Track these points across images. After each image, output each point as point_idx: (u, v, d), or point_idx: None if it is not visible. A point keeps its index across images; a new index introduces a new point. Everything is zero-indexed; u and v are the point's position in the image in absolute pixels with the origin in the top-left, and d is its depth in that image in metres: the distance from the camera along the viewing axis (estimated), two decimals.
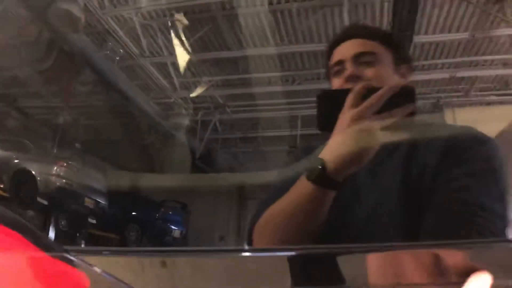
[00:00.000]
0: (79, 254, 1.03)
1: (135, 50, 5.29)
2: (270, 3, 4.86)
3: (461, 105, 6.99)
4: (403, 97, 0.82)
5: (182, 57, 5.30)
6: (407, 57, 1.12)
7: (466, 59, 5.75)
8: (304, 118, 6.78)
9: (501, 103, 6.88)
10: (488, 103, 6.88)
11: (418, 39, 5.12)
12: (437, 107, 7.16)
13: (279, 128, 7.79)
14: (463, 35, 5.23)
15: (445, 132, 1.03)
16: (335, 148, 0.86)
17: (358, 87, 0.85)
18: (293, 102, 6.33)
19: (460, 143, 0.94)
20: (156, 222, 7.57)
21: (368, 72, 1.01)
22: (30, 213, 5.97)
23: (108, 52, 5.27)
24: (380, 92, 0.81)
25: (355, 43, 1.08)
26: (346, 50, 1.08)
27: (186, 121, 6.54)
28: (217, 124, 7.46)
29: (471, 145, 0.93)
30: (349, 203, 0.98)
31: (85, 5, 4.66)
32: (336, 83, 1.07)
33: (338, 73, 1.07)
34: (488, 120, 6.02)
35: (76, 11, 4.51)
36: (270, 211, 0.96)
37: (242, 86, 6.53)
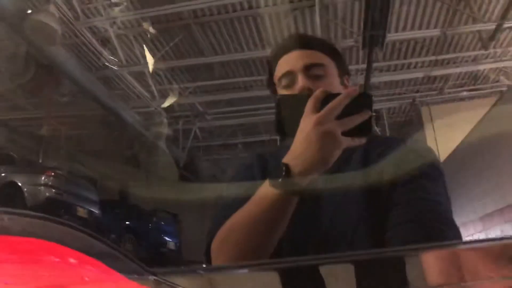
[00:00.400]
0: (167, 275, 0.95)
1: (112, 60, 5.32)
2: (242, 8, 4.96)
3: (436, 103, 7.17)
4: (361, 103, 0.82)
5: (155, 65, 5.35)
6: (347, 68, 1.13)
7: (439, 57, 5.86)
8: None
9: (472, 98, 7.05)
10: (461, 99, 7.05)
11: (391, 37, 5.20)
12: (413, 106, 7.31)
13: (260, 134, 7.97)
14: (434, 32, 5.36)
15: (397, 143, 1.03)
16: (299, 152, 0.85)
17: (317, 92, 0.85)
18: (271, 107, 6.34)
19: (413, 152, 0.99)
20: (151, 232, 7.41)
21: (320, 85, 1.00)
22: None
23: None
24: (339, 98, 0.81)
25: (304, 54, 1.07)
26: (295, 61, 1.07)
27: (167, 130, 6.54)
28: (198, 132, 7.50)
29: (423, 153, 0.99)
30: (310, 210, 0.97)
31: (60, 17, 4.69)
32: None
33: (288, 85, 1.06)
34: (462, 115, 6.19)
35: (53, 23, 4.53)
36: (229, 223, 0.93)
37: (220, 92, 6.60)
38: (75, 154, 6.54)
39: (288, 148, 1.07)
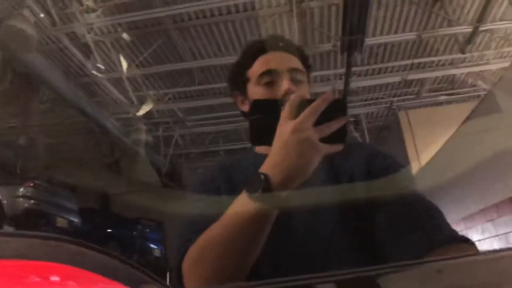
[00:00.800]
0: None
1: (91, 66, 5.27)
2: (220, 13, 4.96)
3: (414, 107, 7.25)
4: (336, 109, 0.80)
5: (134, 71, 5.33)
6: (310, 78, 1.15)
7: (415, 61, 5.93)
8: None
9: (450, 102, 7.16)
10: (439, 103, 7.15)
11: (369, 41, 5.22)
12: (391, 111, 7.39)
13: (242, 141, 7.93)
14: (410, 36, 5.41)
15: (363, 147, 1.06)
16: (278, 161, 0.81)
17: (293, 97, 0.82)
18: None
19: (380, 152, 1.02)
20: (136, 240, 7.26)
21: (300, 90, 1.03)
22: None
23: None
24: (315, 103, 0.78)
25: (288, 57, 1.09)
26: (280, 61, 1.08)
27: (146, 137, 6.50)
28: (179, 139, 7.45)
29: (386, 152, 1.03)
30: (285, 223, 0.93)
31: (35, 22, 4.64)
32: (265, 93, 1.06)
33: (270, 83, 1.05)
34: (440, 120, 6.27)
35: (29, 29, 4.48)
36: (202, 241, 0.87)
37: (200, 98, 6.57)
38: (54, 163, 6.43)
39: (251, 157, 1.07)
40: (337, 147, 0.80)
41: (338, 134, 0.80)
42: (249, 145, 1.03)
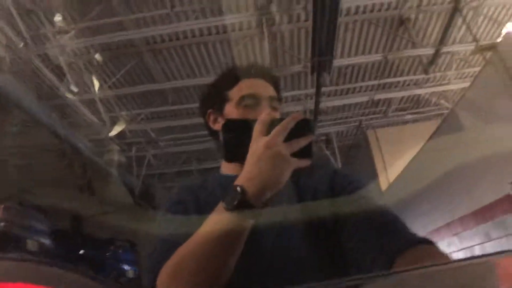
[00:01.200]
0: None
1: (63, 88, 5.25)
2: (193, 35, 5.06)
3: (382, 126, 7.48)
4: (304, 127, 0.89)
5: (107, 92, 5.34)
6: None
7: (382, 81, 6.16)
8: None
9: (416, 121, 7.42)
10: (405, 122, 7.41)
11: (337, 63, 5.42)
12: (360, 129, 7.59)
13: (215, 160, 7.95)
14: (376, 57, 5.64)
15: (326, 167, 1.15)
16: (252, 174, 0.86)
17: (264, 116, 0.89)
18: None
19: (341, 171, 1.11)
20: (108, 262, 7.03)
21: (276, 115, 1.12)
22: None
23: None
24: (285, 122, 0.86)
25: (268, 85, 1.17)
26: (262, 88, 1.17)
27: (119, 157, 6.46)
28: (152, 159, 7.45)
29: (346, 170, 1.17)
30: (255, 236, 0.93)
31: (6, 44, 4.62)
32: (243, 114, 1.13)
33: (249, 106, 1.13)
34: (407, 137, 6.49)
35: None
36: (179, 256, 0.90)
37: (173, 118, 6.63)
38: (26, 185, 6.31)
39: (217, 178, 1.15)
40: (306, 162, 0.86)
41: (306, 149, 0.88)
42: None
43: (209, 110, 1.20)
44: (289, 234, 1.02)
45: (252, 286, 0.96)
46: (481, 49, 4.82)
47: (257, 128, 0.87)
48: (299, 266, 0.99)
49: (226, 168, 1.17)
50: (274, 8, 4.74)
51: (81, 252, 6.85)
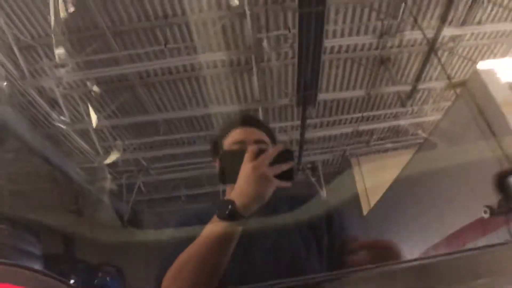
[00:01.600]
0: None
1: (58, 119, 5.41)
2: (185, 70, 5.29)
3: (364, 154, 7.77)
4: (286, 156, 1.17)
5: (100, 123, 5.50)
6: (276, 140, 1.50)
7: (364, 114, 6.47)
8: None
9: (395, 149, 7.73)
10: (386, 150, 7.71)
11: (322, 96, 5.70)
12: (344, 158, 7.88)
13: (202, 186, 8.14)
14: (359, 92, 5.95)
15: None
16: (241, 191, 1.07)
17: (252, 147, 1.14)
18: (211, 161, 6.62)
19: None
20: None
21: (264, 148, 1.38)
22: None
23: None
24: (270, 150, 1.10)
25: (255, 131, 1.41)
26: (248, 134, 1.40)
27: (110, 185, 6.59)
28: (142, 186, 7.56)
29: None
30: (247, 242, 1.16)
31: (6, 76, 4.79)
32: None
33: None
34: (387, 164, 6.76)
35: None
36: (179, 262, 1.09)
37: (164, 147, 6.78)
38: (19, 209, 6.40)
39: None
40: (287, 183, 1.10)
41: (288, 173, 1.12)
42: (209, 189, 1.40)
43: (215, 157, 1.44)
44: (271, 238, 1.28)
45: (243, 281, 1.17)
46: (452, 86, 5.19)
47: (247, 156, 1.11)
48: (280, 261, 1.25)
49: (229, 194, 1.34)
50: (264, 46, 5.01)
51: (72, 281, 6.90)
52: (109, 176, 6.67)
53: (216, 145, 1.46)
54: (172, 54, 5.09)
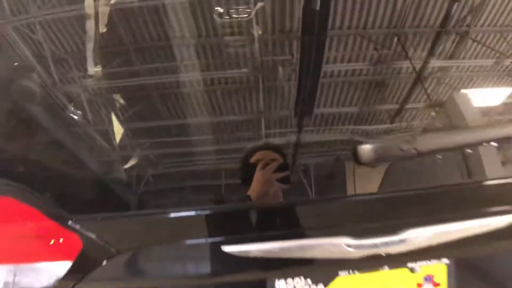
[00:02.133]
0: (79, 221, 1.78)
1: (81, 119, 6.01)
2: (198, 84, 5.87)
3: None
4: (284, 167, 2.15)
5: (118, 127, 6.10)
6: None
7: (357, 127, 6.99)
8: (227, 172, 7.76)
9: None
10: None
11: (318, 110, 6.22)
12: (338, 161, 8.50)
13: (203, 179, 8.75)
14: (353, 109, 6.49)
15: None
16: (254, 189, 2.04)
17: (262, 161, 2.12)
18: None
19: None
20: None
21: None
22: None
23: None
24: (273, 163, 2.03)
25: (271, 153, 2.38)
26: (266, 155, 2.31)
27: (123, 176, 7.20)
28: (150, 178, 8.14)
29: None
30: None
31: (40, 83, 5.38)
32: None
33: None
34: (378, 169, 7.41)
35: (34, 86, 5.22)
36: None
37: (174, 147, 7.37)
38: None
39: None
40: (285, 186, 2.23)
41: (285, 179, 2.27)
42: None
43: (241, 169, 2.41)
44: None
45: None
46: (431, 106, 5.81)
47: (258, 167, 2.17)
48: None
49: (249, 191, 2.32)
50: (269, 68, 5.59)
51: None
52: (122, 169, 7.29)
53: (244, 160, 2.39)
54: (187, 70, 5.67)
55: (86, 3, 4.34)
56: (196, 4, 5.23)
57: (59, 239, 1.70)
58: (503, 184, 1.90)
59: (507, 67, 3.88)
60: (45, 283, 1.77)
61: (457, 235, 1.81)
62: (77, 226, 1.65)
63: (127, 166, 2.20)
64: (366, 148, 1.81)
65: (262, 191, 1.94)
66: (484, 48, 5.68)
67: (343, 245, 1.67)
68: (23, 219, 1.62)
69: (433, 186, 1.90)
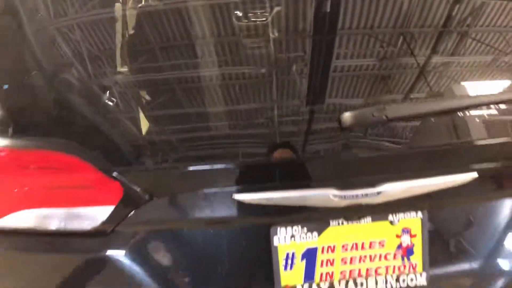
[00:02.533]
0: (121, 172, 2.16)
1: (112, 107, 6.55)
2: (217, 79, 6.35)
3: None
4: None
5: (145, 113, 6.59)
6: None
7: None
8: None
9: None
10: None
11: (329, 101, 6.65)
12: None
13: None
14: (360, 101, 6.88)
15: None
16: None
17: (277, 155, 2.34)
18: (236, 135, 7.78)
19: None
20: None
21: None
22: None
23: None
24: (284, 155, 2.31)
25: (288, 151, 2.45)
26: (284, 153, 2.43)
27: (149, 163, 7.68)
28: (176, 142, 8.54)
29: None
30: None
31: (77, 77, 5.96)
32: None
33: None
34: None
35: (74, 80, 5.75)
36: None
37: (192, 132, 7.83)
38: None
39: None
40: None
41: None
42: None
43: None
44: None
45: None
46: (431, 95, 6.17)
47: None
48: None
49: None
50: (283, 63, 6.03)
51: None
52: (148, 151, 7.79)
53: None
54: (207, 66, 6.14)
55: (115, 7, 4.86)
56: (217, 8, 5.74)
57: (106, 187, 2.16)
58: (470, 146, 2.33)
59: None
60: (91, 226, 2.19)
61: (427, 189, 2.25)
62: (120, 176, 2.12)
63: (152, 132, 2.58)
64: (346, 115, 2.27)
65: None
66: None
67: (330, 195, 2.12)
68: (80, 172, 2.08)
69: (407, 147, 2.37)
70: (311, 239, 2.25)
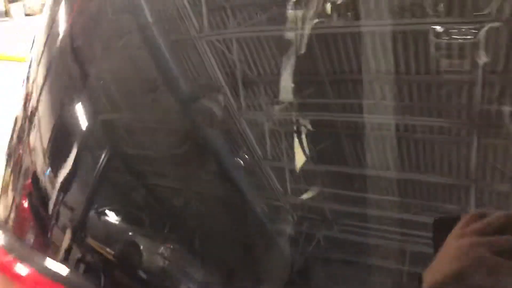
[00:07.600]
0: None
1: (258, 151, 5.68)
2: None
3: None
4: None
5: (300, 161, 5.57)
6: None
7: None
8: (412, 254, 6.54)
9: None
10: None
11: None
12: None
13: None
14: None
15: None
16: None
17: None
18: (405, 233, 6.26)
19: None
20: None
21: None
22: None
23: None
24: None
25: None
26: None
27: (289, 229, 6.58)
28: (321, 239, 7.39)
29: None
30: None
31: (225, 106, 5.18)
32: None
33: None
34: None
35: (217, 109, 5.02)
36: None
37: (353, 205, 6.55)
38: None
39: None
40: None
41: None
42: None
43: None
44: None
45: None
46: None
47: None
48: None
49: None
50: None
51: None
52: (290, 219, 6.67)
53: None
54: (382, 111, 4.98)
55: (288, 24, 3.88)
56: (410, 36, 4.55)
57: None
58: None
59: None
60: None
61: None
62: None
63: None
64: None
65: None
66: None
67: None
68: None
69: None
70: None
